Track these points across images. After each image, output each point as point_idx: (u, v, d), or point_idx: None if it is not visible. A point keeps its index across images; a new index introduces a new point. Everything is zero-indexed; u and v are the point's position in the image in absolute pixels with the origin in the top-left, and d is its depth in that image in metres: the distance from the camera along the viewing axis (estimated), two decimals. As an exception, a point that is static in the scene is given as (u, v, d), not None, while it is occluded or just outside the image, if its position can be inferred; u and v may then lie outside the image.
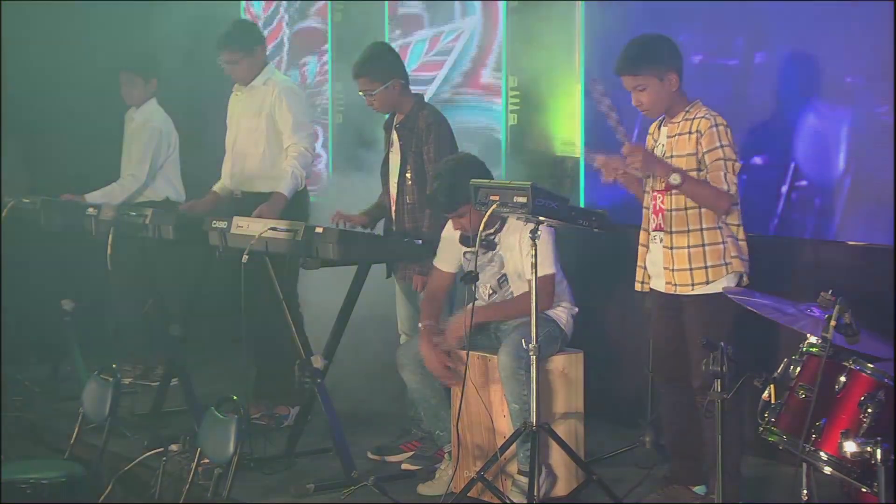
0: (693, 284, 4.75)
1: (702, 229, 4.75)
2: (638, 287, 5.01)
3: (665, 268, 4.82)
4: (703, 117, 4.74)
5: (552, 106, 6.62)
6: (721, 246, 4.75)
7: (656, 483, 5.15)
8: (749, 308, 4.14)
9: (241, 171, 6.45)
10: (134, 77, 7.29)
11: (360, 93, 5.78)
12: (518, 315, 5.02)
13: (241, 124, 6.47)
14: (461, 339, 5.05)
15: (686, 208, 4.77)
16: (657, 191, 4.87)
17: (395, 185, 5.75)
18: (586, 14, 6.40)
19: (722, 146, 4.69)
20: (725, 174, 4.67)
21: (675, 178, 4.63)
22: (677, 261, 4.78)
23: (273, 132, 6.35)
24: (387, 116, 5.97)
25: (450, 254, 5.34)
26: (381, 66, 5.73)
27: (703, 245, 4.74)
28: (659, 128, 4.94)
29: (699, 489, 4.99)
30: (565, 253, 5.27)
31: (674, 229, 4.78)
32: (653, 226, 4.90)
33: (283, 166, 6.20)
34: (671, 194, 4.79)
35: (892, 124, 5.11)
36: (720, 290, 4.64)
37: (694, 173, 4.71)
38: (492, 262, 5.21)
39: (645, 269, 4.98)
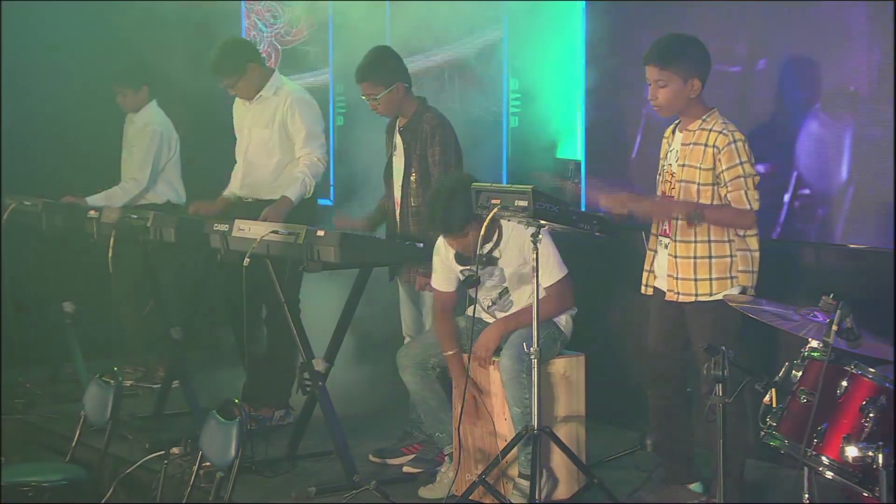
0: (697, 295, 4.74)
1: (709, 241, 4.72)
2: (643, 290, 5.00)
3: (669, 275, 4.81)
4: (719, 132, 4.69)
5: (554, 108, 6.62)
6: (728, 259, 4.72)
7: (657, 485, 5.16)
8: (751, 315, 4.14)
9: (254, 180, 6.43)
10: (123, 87, 7.33)
11: (364, 97, 5.78)
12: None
13: (252, 134, 6.42)
14: (490, 354, 5.05)
15: None
16: (667, 197, 4.84)
17: (400, 189, 5.74)
18: (588, 16, 6.39)
19: (741, 163, 4.66)
20: (746, 192, 4.65)
21: (695, 217, 4.65)
22: (681, 270, 4.76)
23: (286, 142, 6.33)
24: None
25: (446, 274, 5.29)
26: (383, 70, 5.72)
27: (710, 257, 4.72)
28: (674, 132, 4.92)
29: (695, 487, 5.01)
30: (566, 256, 5.27)
31: (679, 238, 4.76)
32: (660, 230, 4.89)
33: (294, 172, 6.19)
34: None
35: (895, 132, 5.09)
36: (722, 297, 4.64)
37: (709, 187, 4.69)
38: (493, 275, 5.18)
39: (651, 272, 4.97)
